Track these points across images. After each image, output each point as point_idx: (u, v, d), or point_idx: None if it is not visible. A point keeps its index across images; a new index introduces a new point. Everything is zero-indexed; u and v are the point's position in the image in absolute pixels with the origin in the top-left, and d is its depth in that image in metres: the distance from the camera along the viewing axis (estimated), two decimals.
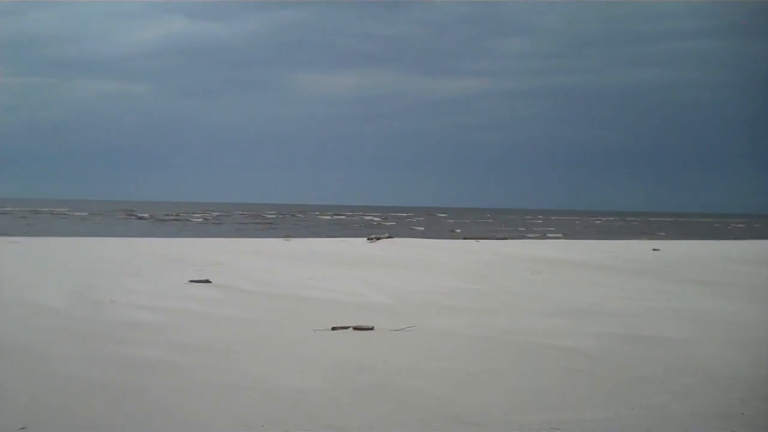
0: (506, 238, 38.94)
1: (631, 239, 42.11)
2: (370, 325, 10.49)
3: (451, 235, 46.15)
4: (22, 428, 5.75)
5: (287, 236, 36.88)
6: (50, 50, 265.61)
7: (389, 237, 34.26)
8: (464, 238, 38.30)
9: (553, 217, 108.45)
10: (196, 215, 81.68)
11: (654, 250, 29.02)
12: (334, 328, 10.28)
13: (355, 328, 10.30)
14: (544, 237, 47.60)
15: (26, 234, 34.55)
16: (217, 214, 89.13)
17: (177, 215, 79.64)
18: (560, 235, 51.29)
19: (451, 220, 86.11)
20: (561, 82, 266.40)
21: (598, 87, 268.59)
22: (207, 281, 15.23)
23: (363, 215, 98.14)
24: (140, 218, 69.21)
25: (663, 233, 58.34)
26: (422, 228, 61.81)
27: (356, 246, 29.26)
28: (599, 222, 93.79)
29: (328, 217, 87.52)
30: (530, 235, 49.22)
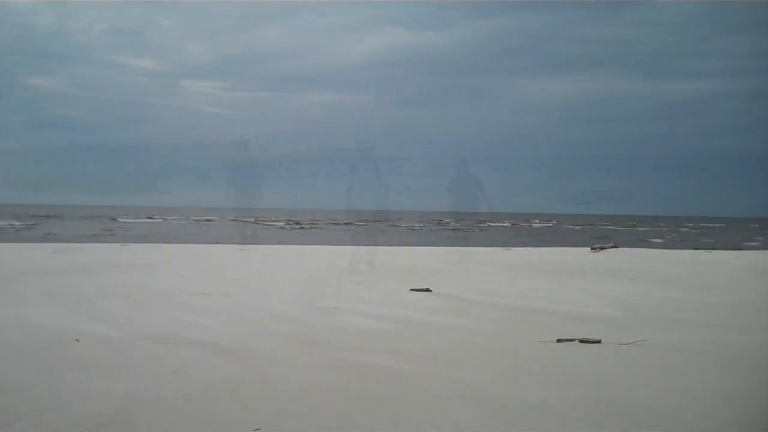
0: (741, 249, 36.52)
1: None
2: (597, 338, 10.04)
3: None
4: (257, 429, 5.90)
5: (507, 245, 36.57)
6: (276, 65, 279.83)
7: (614, 246, 33.12)
8: (695, 248, 36.33)
9: None
10: (450, 222, 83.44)
11: None
12: (559, 340, 9.92)
13: (582, 341, 9.88)
14: None
15: (283, 242, 36.52)
16: (482, 222, 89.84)
17: (438, 221, 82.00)
18: None
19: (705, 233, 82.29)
20: None
21: None
22: (428, 290, 15.30)
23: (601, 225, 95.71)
24: (412, 229, 71.54)
25: None
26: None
27: (579, 255, 28.51)
28: None
29: (567, 227, 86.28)
30: None
